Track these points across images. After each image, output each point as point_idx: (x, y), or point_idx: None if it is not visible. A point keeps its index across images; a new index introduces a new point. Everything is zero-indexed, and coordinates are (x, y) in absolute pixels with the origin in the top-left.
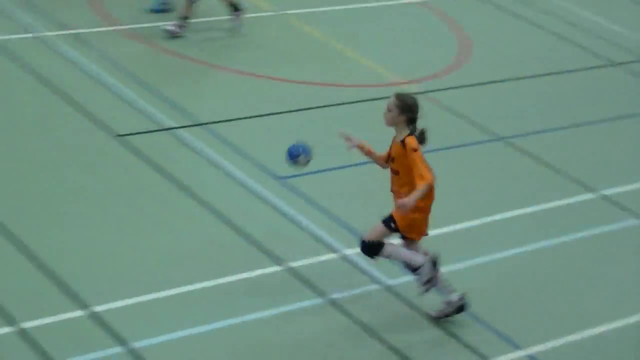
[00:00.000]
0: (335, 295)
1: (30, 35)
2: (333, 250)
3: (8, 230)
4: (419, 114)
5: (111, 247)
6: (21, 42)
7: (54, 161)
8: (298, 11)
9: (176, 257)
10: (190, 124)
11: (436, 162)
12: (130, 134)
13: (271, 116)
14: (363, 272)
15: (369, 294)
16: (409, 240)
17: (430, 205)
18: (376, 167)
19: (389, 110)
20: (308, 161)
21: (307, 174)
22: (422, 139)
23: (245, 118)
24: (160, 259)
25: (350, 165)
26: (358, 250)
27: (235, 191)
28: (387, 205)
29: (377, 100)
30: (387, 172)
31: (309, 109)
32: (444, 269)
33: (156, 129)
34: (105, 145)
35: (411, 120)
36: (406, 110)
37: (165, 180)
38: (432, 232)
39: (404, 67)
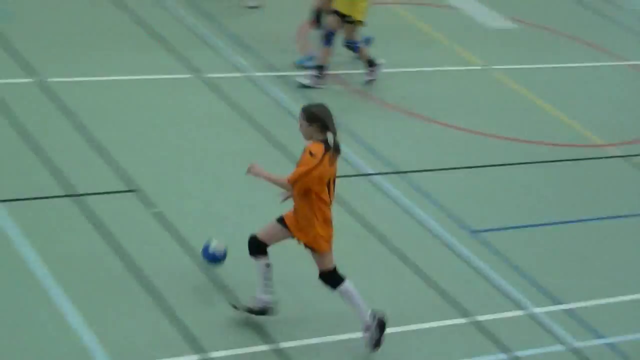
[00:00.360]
0: (519, 353)
1: (241, 74)
2: (520, 307)
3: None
4: (330, 121)
5: (313, 282)
6: (232, 80)
7: (249, 195)
8: (506, 67)
9: (365, 300)
10: (387, 171)
11: (634, 228)
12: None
13: (469, 169)
14: (549, 331)
15: (554, 354)
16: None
17: (310, 215)
18: (581, 228)
19: (300, 125)
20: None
21: (501, 229)
22: (336, 147)
23: (442, 169)
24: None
25: (545, 224)
26: (546, 309)
27: (428, 240)
28: (577, 267)
29: (578, 160)
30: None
31: (505, 164)
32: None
33: (354, 173)
34: None
35: (323, 127)
36: (312, 118)
37: (359, 224)
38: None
39: (607, 129)
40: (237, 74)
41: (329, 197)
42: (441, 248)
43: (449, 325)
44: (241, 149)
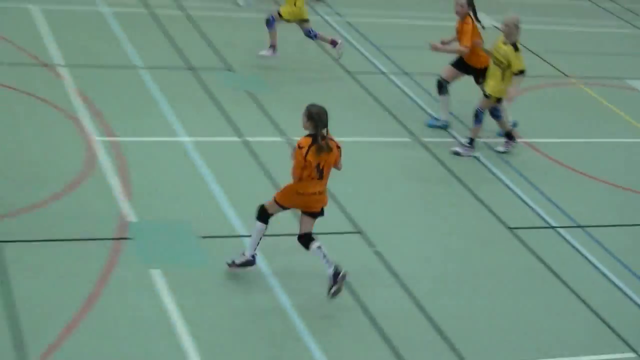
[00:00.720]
0: None
1: (450, 139)
2: None
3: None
4: (321, 122)
5: (489, 313)
6: (445, 144)
7: (448, 238)
8: None
9: (538, 331)
10: (569, 224)
11: None
12: (520, 228)
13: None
14: None
15: None
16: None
17: (296, 193)
18: None
19: (302, 119)
20: None
21: None
22: (319, 145)
23: (617, 225)
24: (527, 330)
25: None
26: None
27: (603, 285)
28: None
29: None
30: None
31: None
32: None
33: (541, 225)
34: (498, 235)
35: (315, 126)
36: (310, 117)
37: (544, 267)
38: None
39: None
40: (447, 139)
41: (318, 175)
42: (614, 292)
43: (619, 358)
44: (444, 200)
